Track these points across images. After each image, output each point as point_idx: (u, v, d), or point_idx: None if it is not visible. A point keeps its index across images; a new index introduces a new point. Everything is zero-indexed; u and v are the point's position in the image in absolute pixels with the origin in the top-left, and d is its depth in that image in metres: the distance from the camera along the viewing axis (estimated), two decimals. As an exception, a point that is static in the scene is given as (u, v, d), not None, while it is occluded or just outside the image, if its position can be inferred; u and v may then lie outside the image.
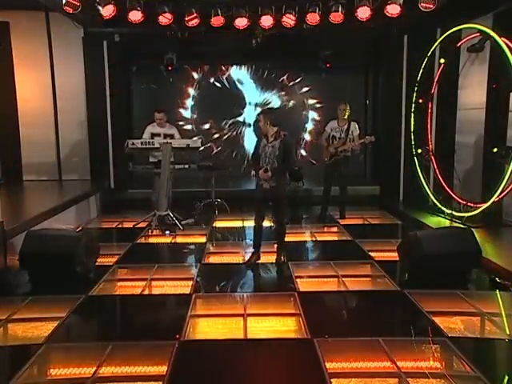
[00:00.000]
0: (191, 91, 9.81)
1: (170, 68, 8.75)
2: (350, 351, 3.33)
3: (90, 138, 8.67)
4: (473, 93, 6.96)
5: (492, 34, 5.93)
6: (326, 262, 5.32)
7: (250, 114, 9.88)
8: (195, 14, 7.11)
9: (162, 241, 6.50)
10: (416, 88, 7.75)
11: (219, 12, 7.08)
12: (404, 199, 8.60)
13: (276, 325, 3.87)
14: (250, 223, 7.10)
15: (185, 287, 4.66)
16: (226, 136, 9.93)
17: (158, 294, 4.65)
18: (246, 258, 5.48)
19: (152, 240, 6.62)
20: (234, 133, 9.94)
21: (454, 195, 6.97)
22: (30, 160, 8.64)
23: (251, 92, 9.87)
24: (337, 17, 6.98)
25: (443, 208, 7.02)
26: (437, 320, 3.77)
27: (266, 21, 7.15)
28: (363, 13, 6.82)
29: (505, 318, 3.96)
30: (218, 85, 9.83)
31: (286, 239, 5.57)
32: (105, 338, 3.63)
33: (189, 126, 9.83)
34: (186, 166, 7.13)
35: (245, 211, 7.71)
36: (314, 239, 6.59)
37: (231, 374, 3.10)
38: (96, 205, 8.16)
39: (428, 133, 7.68)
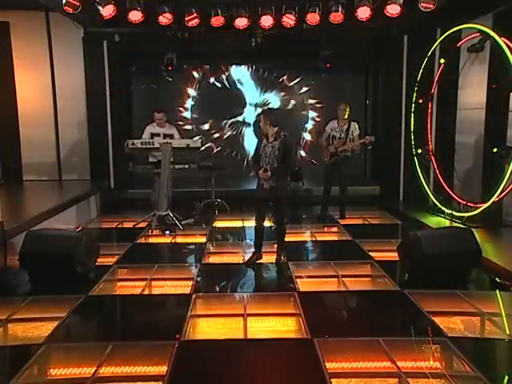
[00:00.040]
0: (191, 91, 9.81)
1: (170, 68, 8.76)
2: (350, 351, 3.33)
3: (89, 138, 8.67)
4: (473, 93, 6.96)
5: (492, 34, 5.93)
6: (326, 261, 5.32)
7: (249, 114, 9.89)
8: (195, 14, 7.11)
9: (161, 241, 6.50)
10: (416, 88, 7.75)
11: (219, 12, 7.08)
12: (404, 199, 8.60)
13: (276, 325, 3.87)
14: (250, 223, 7.14)
15: (185, 287, 4.65)
16: (226, 136, 9.93)
17: (157, 294, 4.65)
18: (247, 258, 5.48)
19: (152, 240, 6.62)
20: (234, 133, 9.94)
21: (454, 195, 6.97)
22: (30, 160, 8.64)
23: (251, 92, 9.87)
24: (337, 17, 6.98)
25: (443, 208, 7.02)
26: (437, 320, 3.77)
27: (266, 21, 7.14)
28: (363, 13, 6.82)
29: (505, 318, 3.96)
30: (218, 85, 9.83)
31: (286, 239, 5.57)
32: (105, 338, 3.63)
33: (189, 126, 9.83)
34: (186, 166, 7.13)
35: (245, 211, 7.72)
36: (313, 239, 6.59)
37: (231, 374, 3.10)
38: (96, 205, 8.16)
39: (428, 133, 7.69)
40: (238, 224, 7.41)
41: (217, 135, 9.91)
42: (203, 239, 6.48)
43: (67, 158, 8.81)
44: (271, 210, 5.55)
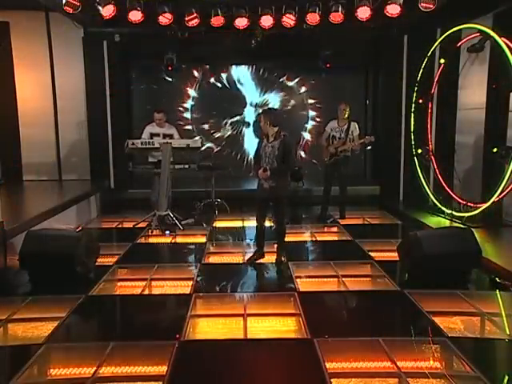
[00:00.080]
0: (191, 91, 9.81)
1: (170, 68, 8.75)
2: (350, 351, 3.33)
3: (89, 138, 8.67)
4: (473, 93, 6.96)
5: (492, 34, 5.93)
6: (326, 261, 5.32)
7: (249, 114, 9.89)
8: (195, 14, 7.11)
9: (162, 241, 6.50)
10: (416, 88, 7.75)
11: (219, 12, 7.08)
12: (404, 199, 8.60)
13: (276, 325, 3.87)
14: (250, 223, 7.15)
15: (185, 287, 4.65)
16: (226, 136, 9.92)
17: (158, 294, 4.65)
18: (248, 257, 5.50)
19: (152, 240, 6.62)
20: (234, 133, 9.94)
21: (454, 195, 6.97)
22: (30, 160, 8.65)
23: (251, 92, 9.87)
24: (337, 17, 6.98)
25: (443, 208, 7.02)
26: (437, 320, 3.77)
27: (266, 21, 7.14)
28: (363, 13, 6.82)
29: (505, 318, 3.96)
30: (218, 85, 9.83)
31: (286, 239, 5.57)
32: (105, 338, 3.62)
33: (189, 126, 9.83)
34: (186, 166, 7.13)
35: (245, 211, 7.72)
36: (314, 239, 6.59)
37: (231, 374, 3.10)
38: (96, 205, 8.16)
39: (428, 133, 7.69)
40: (238, 224, 7.41)
41: (217, 135, 9.91)
42: (203, 239, 6.48)
43: (67, 158, 8.81)
44: (271, 210, 5.56)
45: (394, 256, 5.21)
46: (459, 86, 7.35)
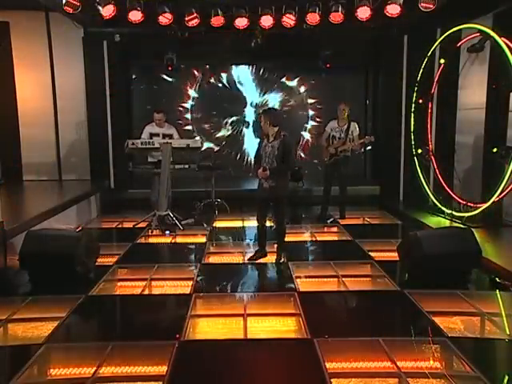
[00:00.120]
0: (191, 91, 9.81)
1: (170, 68, 8.75)
2: (350, 351, 3.33)
3: (89, 138, 8.67)
4: (473, 93, 6.96)
5: (492, 34, 5.93)
6: (326, 261, 5.32)
7: (250, 114, 9.89)
8: (195, 14, 7.11)
9: (162, 241, 6.50)
10: (416, 88, 7.75)
11: (219, 12, 7.08)
12: (404, 199, 8.60)
13: (276, 325, 3.87)
14: (250, 223, 7.16)
15: (185, 287, 4.65)
16: (226, 136, 9.92)
17: (158, 294, 4.65)
18: (249, 256, 5.52)
19: (152, 240, 6.62)
20: (234, 133, 9.94)
21: (454, 195, 6.97)
22: (30, 160, 8.64)
23: (251, 92, 9.87)
24: (337, 17, 6.98)
25: (443, 208, 7.02)
26: (437, 320, 3.77)
27: (266, 21, 7.15)
28: (363, 13, 6.82)
29: (505, 318, 3.96)
30: (218, 85, 9.83)
31: (286, 239, 5.58)
32: (105, 338, 3.63)
33: (189, 127, 9.83)
34: (186, 166, 7.13)
35: (245, 211, 7.73)
36: (314, 239, 6.59)
37: (231, 374, 3.10)
38: (96, 205, 8.16)
39: (428, 133, 7.69)
40: (238, 224, 7.41)
41: (217, 135, 9.91)
42: (203, 239, 6.48)
43: (67, 158, 8.81)
44: (271, 210, 5.56)
45: (394, 256, 5.21)
46: (459, 86, 7.34)
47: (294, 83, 9.88)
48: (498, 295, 4.41)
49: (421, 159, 7.70)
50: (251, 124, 9.86)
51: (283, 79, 9.85)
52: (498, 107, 6.24)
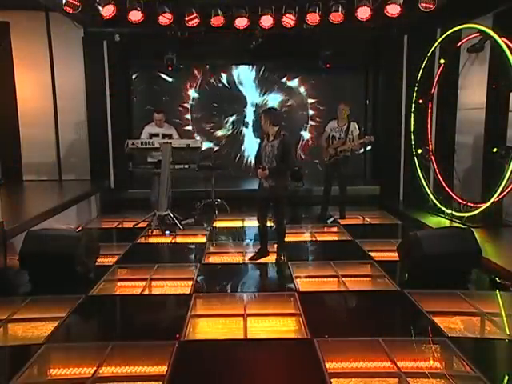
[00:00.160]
0: (191, 91, 9.81)
1: (170, 68, 8.75)
2: (350, 351, 3.33)
3: (89, 138, 8.67)
4: (473, 93, 6.96)
5: (492, 34, 5.93)
6: (326, 261, 5.32)
7: (250, 114, 9.89)
8: (195, 14, 7.11)
9: (162, 241, 6.50)
10: (416, 88, 7.74)
11: (219, 12, 7.08)
12: (404, 199, 8.60)
13: (276, 325, 3.87)
14: (250, 223, 7.15)
15: (185, 287, 4.65)
16: (226, 136, 9.92)
17: (158, 294, 4.65)
18: (250, 256, 5.53)
19: (152, 240, 6.61)
20: (234, 133, 9.94)
21: (454, 195, 6.97)
22: (30, 160, 8.64)
23: (251, 92, 9.87)
24: (337, 17, 6.97)
25: (443, 208, 7.02)
26: (437, 320, 3.77)
27: (266, 21, 7.14)
28: (363, 13, 6.82)
29: (505, 318, 3.96)
30: (218, 85, 9.83)
31: (286, 239, 5.58)
32: (105, 338, 3.63)
33: (189, 127, 9.83)
34: (186, 166, 7.13)
35: (245, 211, 7.72)
36: (314, 239, 6.59)
37: (231, 374, 3.10)
38: (96, 205, 8.16)
39: (428, 133, 7.69)
40: (238, 224, 7.41)
41: (217, 135, 9.90)
42: (203, 239, 6.48)
43: (67, 158, 8.80)
44: (271, 210, 5.56)
45: (394, 256, 5.21)
46: (459, 86, 7.34)
47: (294, 83, 9.88)
48: (498, 295, 4.41)
49: (421, 159, 7.70)
50: (251, 124, 9.86)
51: (283, 79, 9.84)
52: (498, 107, 6.24)
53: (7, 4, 7.75)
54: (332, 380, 2.96)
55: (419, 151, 7.70)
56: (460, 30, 6.81)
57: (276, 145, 5.21)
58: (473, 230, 5.02)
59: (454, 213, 6.76)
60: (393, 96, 8.61)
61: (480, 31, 6.26)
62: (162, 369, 3.09)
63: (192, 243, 6.39)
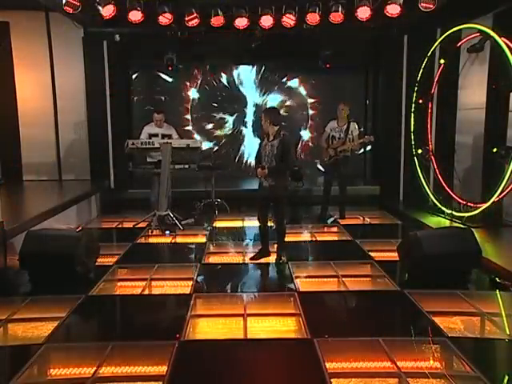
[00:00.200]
0: (191, 91, 9.81)
1: (170, 68, 8.75)
2: (350, 351, 3.33)
3: (89, 138, 8.67)
4: (473, 93, 6.96)
5: (492, 34, 5.93)
6: (326, 261, 5.32)
7: (250, 114, 9.89)
8: (195, 14, 7.11)
9: (162, 241, 6.50)
10: (416, 88, 7.74)
11: (219, 12, 7.08)
12: (404, 199, 8.60)
13: (276, 325, 3.87)
14: (249, 223, 7.15)
15: (185, 287, 4.65)
16: (226, 136, 9.92)
17: (158, 294, 4.65)
18: (251, 256, 5.53)
19: (152, 240, 6.62)
20: (234, 133, 9.94)
21: (454, 195, 6.97)
22: (30, 160, 8.64)
23: (251, 92, 9.87)
24: (337, 17, 6.98)
25: (443, 208, 7.02)
26: (437, 320, 3.77)
27: (266, 21, 7.14)
28: (363, 13, 6.82)
29: (505, 318, 3.96)
30: (218, 85, 9.82)
31: (286, 239, 5.58)
32: (105, 338, 3.63)
33: (189, 127, 9.83)
34: (186, 166, 7.13)
35: (245, 211, 7.72)
36: (314, 239, 6.59)
37: (231, 374, 3.10)
38: (96, 205, 8.16)
39: (428, 133, 7.69)
40: (238, 224, 7.41)
41: (216, 135, 9.90)
42: (203, 239, 6.48)
43: (67, 157, 8.80)
44: (271, 210, 5.56)
45: (394, 256, 5.21)
46: (459, 86, 7.34)
47: (294, 83, 9.88)
48: (498, 295, 4.41)
49: (421, 159, 7.70)
50: (251, 124, 9.85)
51: (283, 79, 9.84)
52: (498, 107, 6.24)
53: (7, 4, 7.75)
54: (332, 380, 2.96)
55: (419, 151, 7.70)
56: (460, 30, 6.81)
57: (276, 144, 5.21)
58: (473, 229, 5.02)
59: (454, 213, 6.76)
60: (393, 96, 8.61)
61: (480, 31, 6.26)
62: (162, 369, 3.09)
63: (192, 243, 6.40)
